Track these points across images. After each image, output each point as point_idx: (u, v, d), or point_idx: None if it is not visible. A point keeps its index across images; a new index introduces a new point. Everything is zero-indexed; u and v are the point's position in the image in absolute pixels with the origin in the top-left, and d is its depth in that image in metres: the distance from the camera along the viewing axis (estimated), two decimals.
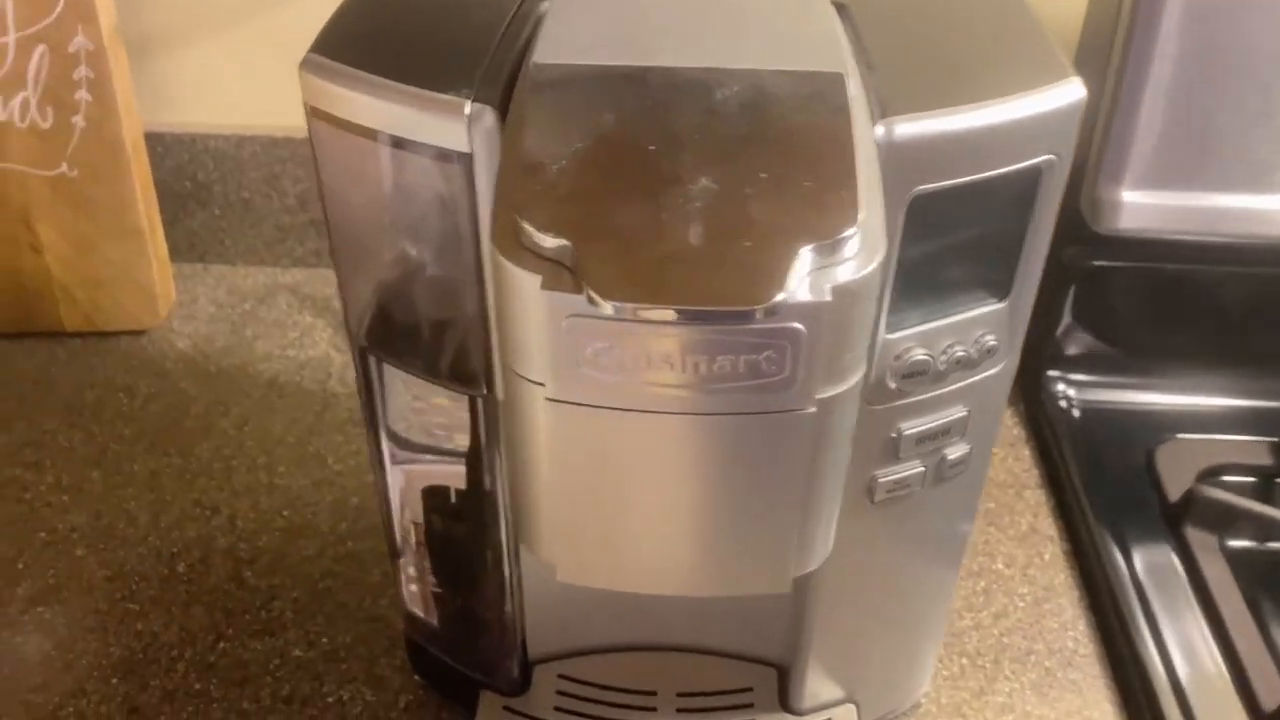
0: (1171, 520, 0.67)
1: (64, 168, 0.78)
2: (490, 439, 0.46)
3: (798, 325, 0.29)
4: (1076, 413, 0.75)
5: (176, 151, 0.86)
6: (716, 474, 0.32)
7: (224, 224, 0.90)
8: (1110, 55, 0.64)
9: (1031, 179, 0.39)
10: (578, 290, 0.29)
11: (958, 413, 0.44)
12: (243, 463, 0.73)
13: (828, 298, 0.29)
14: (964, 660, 0.62)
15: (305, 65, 0.39)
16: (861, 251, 0.30)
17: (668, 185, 0.31)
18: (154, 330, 0.85)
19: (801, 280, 0.29)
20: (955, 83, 0.38)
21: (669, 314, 0.27)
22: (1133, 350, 0.75)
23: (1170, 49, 0.64)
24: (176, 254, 0.89)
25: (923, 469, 0.45)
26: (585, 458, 0.32)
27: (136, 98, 0.80)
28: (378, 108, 0.37)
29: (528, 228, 0.30)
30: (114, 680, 0.60)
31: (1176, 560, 0.65)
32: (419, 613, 0.56)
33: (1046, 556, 0.68)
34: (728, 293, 0.28)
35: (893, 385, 0.42)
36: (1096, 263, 0.73)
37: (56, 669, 0.60)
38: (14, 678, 0.60)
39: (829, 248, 0.29)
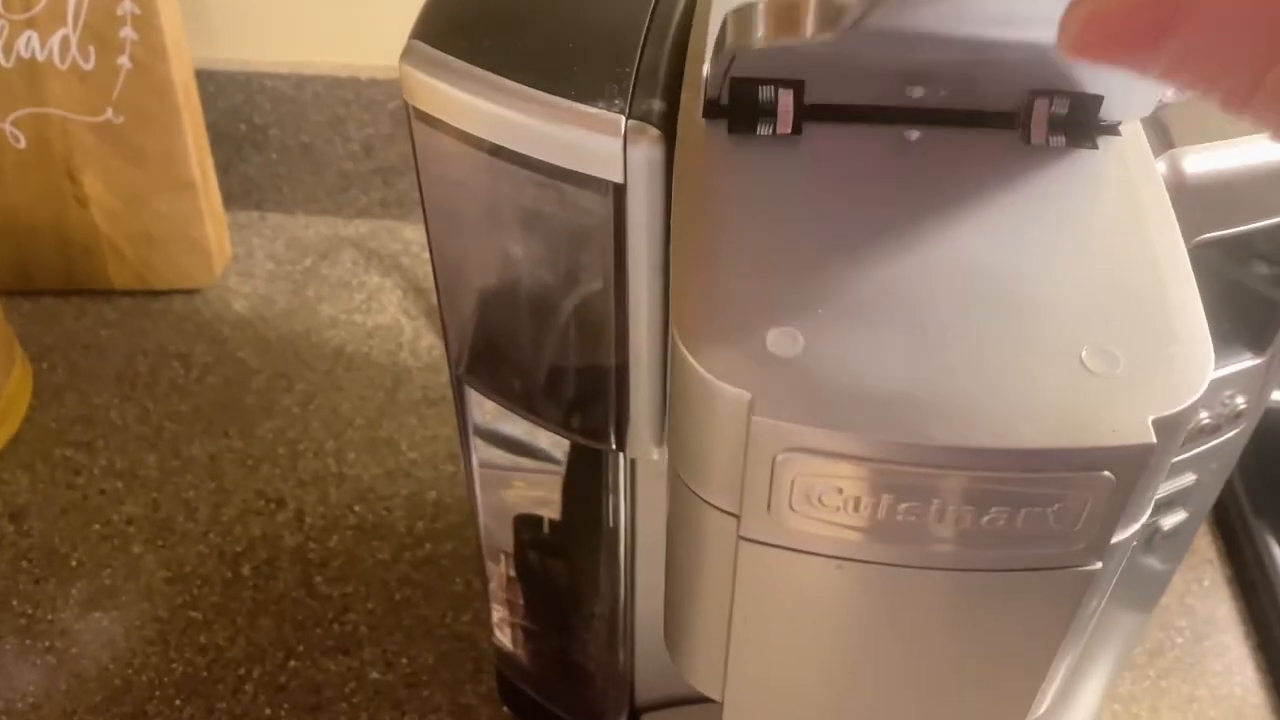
0: None
1: (109, 113, 0.70)
2: (617, 493, 0.39)
3: (1107, 474, 0.21)
4: None
5: (230, 91, 0.78)
6: (956, 636, 0.25)
7: (282, 170, 0.82)
8: None
9: None
10: (805, 420, 0.21)
11: (1185, 482, 0.37)
12: (309, 447, 0.67)
13: (1150, 438, 0.21)
14: (1117, 707, 0.55)
15: (407, 57, 0.31)
16: (1185, 372, 0.22)
17: (923, 283, 0.23)
18: (209, 289, 0.78)
19: (1115, 414, 0.21)
20: None
21: (939, 452, 0.20)
22: None
23: None
24: (231, 201, 0.82)
25: (1133, 543, 0.38)
26: (783, 606, 0.25)
27: (186, 32, 0.71)
28: (503, 118, 0.29)
29: (734, 318, 0.22)
30: (178, 702, 0.55)
31: None
32: (511, 649, 0.50)
33: (1206, 583, 0.60)
34: (1021, 428, 0.20)
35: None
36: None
37: (116, 686, 0.55)
38: (71, 694, 0.55)
39: (1148, 368, 0.22)
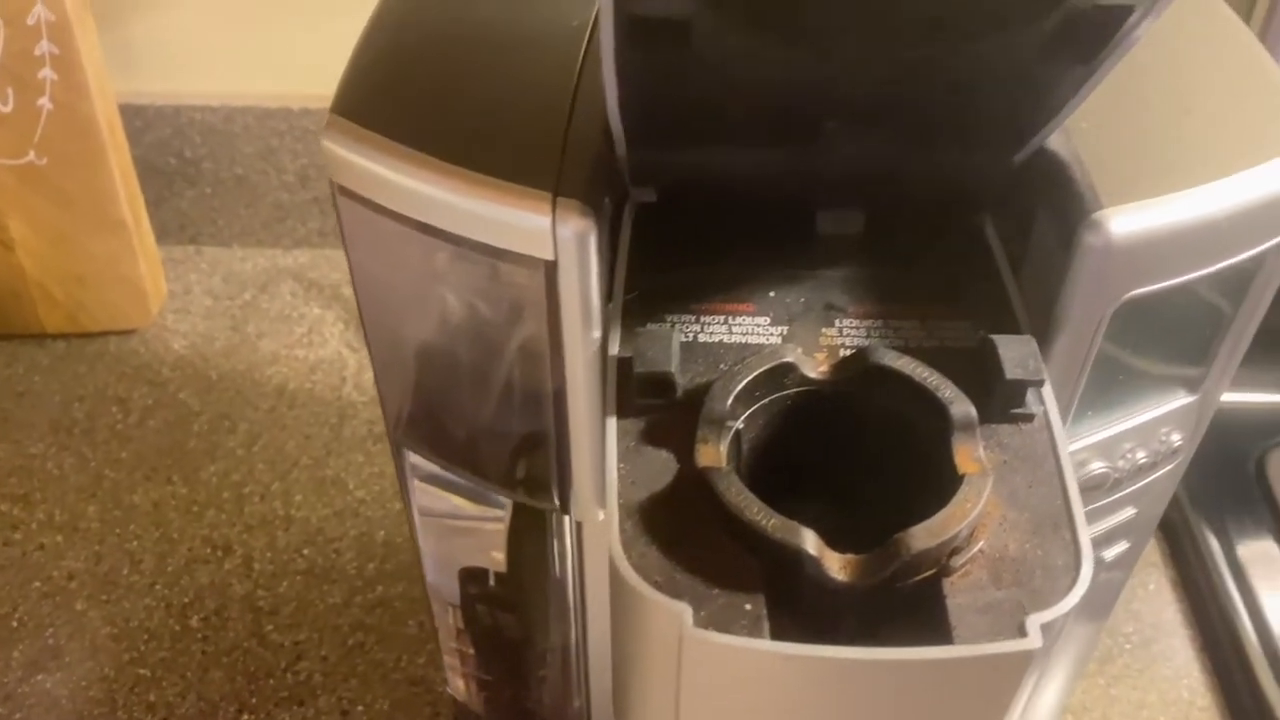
0: None
1: (31, 155, 0.69)
2: (563, 553, 0.38)
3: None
4: None
5: (158, 125, 0.77)
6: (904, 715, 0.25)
7: (216, 203, 0.81)
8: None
9: (1256, 263, 0.31)
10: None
11: (1126, 515, 0.37)
12: (255, 490, 0.66)
13: (1037, 644, 0.22)
14: (1069, 717, 0.56)
15: (329, 134, 0.30)
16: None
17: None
18: (146, 329, 0.76)
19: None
20: (1174, 152, 0.29)
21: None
22: None
23: None
24: (165, 236, 0.81)
25: None
26: (729, 695, 0.25)
27: (110, 65, 0.70)
28: (431, 197, 0.29)
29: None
30: None
31: None
32: (466, 698, 0.50)
33: (1151, 587, 0.61)
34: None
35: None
36: None
37: None
38: None
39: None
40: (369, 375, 0.73)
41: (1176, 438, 0.35)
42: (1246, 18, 0.55)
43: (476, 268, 0.30)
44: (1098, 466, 0.34)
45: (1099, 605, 0.43)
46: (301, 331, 0.76)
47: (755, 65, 0.26)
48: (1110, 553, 0.38)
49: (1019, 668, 0.24)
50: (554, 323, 0.30)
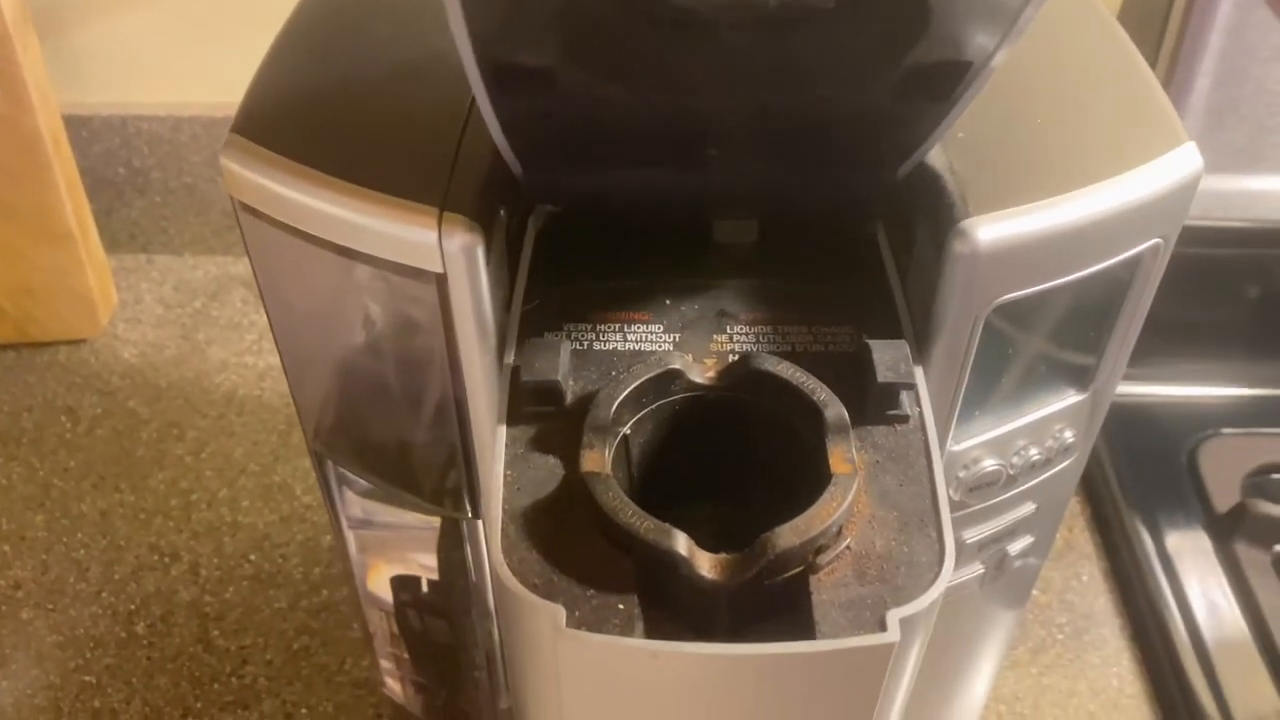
0: (1220, 534, 0.62)
1: None
2: (479, 556, 0.39)
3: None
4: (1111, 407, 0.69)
5: (105, 135, 0.77)
6: (774, 709, 0.26)
7: (166, 212, 0.81)
8: (1165, 31, 0.56)
9: (1131, 267, 0.32)
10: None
11: (1025, 511, 0.38)
12: (202, 497, 0.67)
13: (895, 638, 0.23)
14: (1002, 707, 0.57)
15: (228, 152, 0.31)
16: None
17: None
18: (96, 339, 0.77)
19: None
20: (1045, 159, 0.30)
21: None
22: (1174, 338, 0.69)
23: (1224, 23, 0.56)
24: (115, 245, 0.81)
25: (982, 570, 0.39)
26: (607, 697, 0.26)
27: (55, 76, 0.70)
28: (325, 213, 0.30)
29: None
30: None
31: (1226, 581, 0.60)
32: (402, 700, 0.51)
33: (1085, 578, 0.63)
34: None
35: (956, 498, 0.35)
36: None
37: None
38: None
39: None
40: None
41: (1069, 435, 0.36)
42: (1159, 34, 0.56)
43: (373, 281, 0.31)
44: (990, 464, 0.35)
45: (1013, 595, 0.44)
46: (251, 339, 0.77)
47: (624, 106, 0.27)
48: (1014, 546, 0.39)
49: (880, 662, 0.25)
50: (449, 334, 0.31)
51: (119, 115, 0.76)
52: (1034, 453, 0.36)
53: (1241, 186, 0.61)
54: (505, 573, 0.25)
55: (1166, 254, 0.32)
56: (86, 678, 0.58)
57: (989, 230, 0.28)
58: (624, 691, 0.26)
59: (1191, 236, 0.65)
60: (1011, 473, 0.36)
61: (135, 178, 0.79)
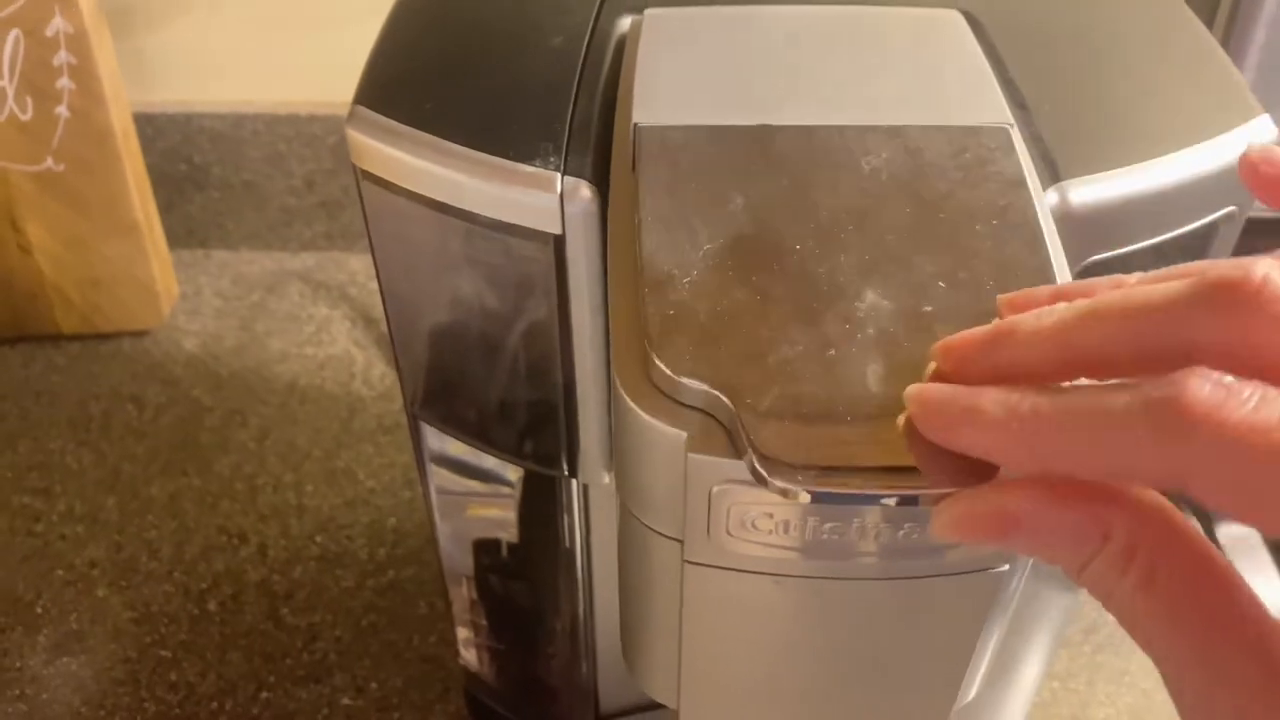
0: None
1: (49, 162, 0.71)
2: (571, 516, 0.41)
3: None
4: None
5: (169, 132, 0.79)
6: (885, 638, 0.27)
7: (224, 207, 0.83)
8: (1212, 24, 0.57)
9: (1206, 235, 0.34)
10: (735, 455, 0.23)
11: None
12: (267, 481, 0.68)
13: None
14: (1055, 684, 0.58)
15: (353, 123, 0.33)
16: None
17: (828, 304, 0.25)
18: (158, 330, 0.79)
19: None
20: (1129, 128, 0.32)
21: (856, 497, 0.22)
22: None
23: (1269, 17, 0.57)
24: (175, 240, 0.83)
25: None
26: (728, 620, 0.27)
27: (122, 75, 0.72)
28: (448, 178, 0.31)
29: (665, 370, 0.24)
30: None
31: (1270, 558, 0.61)
32: (478, 667, 0.52)
33: None
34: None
35: None
36: None
37: None
38: None
39: None
40: (377, 371, 0.76)
41: None
42: (1212, 13, 0.58)
43: (491, 244, 0.33)
44: None
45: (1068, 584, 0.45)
46: (310, 330, 0.79)
47: None
48: None
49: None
50: (562, 294, 0.33)
51: (182, 112, 0.78)
52: None
53: None
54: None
55: (1240, 222, 0.34)
56: (163, 652, 0.60)
57: (1080, 192, 0.30)
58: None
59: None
60: None
61: (196, 174, 0.81)
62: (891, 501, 0.22)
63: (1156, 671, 0.60)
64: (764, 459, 0.23)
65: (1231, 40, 0.59)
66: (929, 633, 0.27)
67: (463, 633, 0.51)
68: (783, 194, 0.28)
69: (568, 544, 0.43)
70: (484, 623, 0.50)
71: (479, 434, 0.40)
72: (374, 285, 0.82)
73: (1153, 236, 0.32)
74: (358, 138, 0.33)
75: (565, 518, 0.41)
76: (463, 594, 0.49)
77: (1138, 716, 0.56)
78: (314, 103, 0.78)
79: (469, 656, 0.52)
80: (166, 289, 0.79)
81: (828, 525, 0.24)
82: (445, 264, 0.34)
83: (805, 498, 0.22)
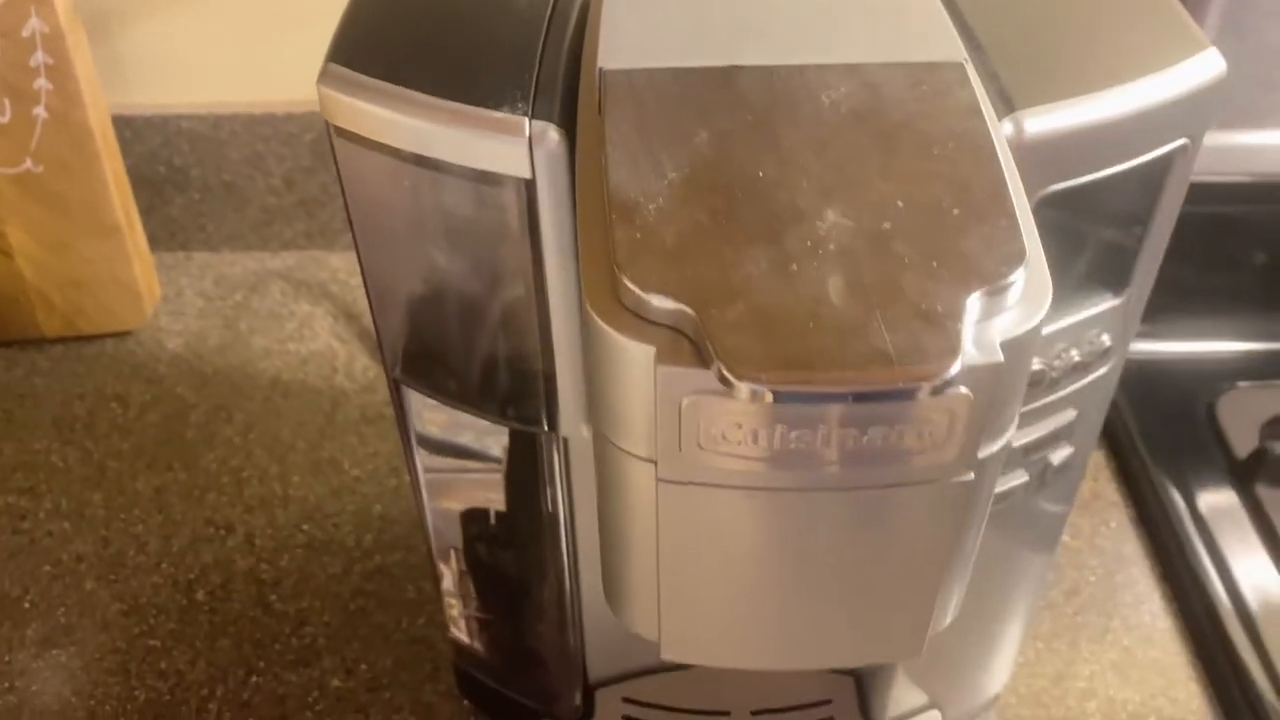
0: (1241, 478, 0.64)
1: (28, 164, 0.72)
2: (552, 474, 0.41)
3: (964, 391, 0.24)
4: (1131, 366, 0.71)
5: (147, 135, 0.80)
6: (855, 550, 0.28)
7: (205, 209, 0.84)
8: None
9: (1161, 166, 0.35)
10: (702, 365, 0.24)
11: (1067, 417, 0.40)
12: (253, 473, 0.69)
13: (999, 357, 0.24)
14: (1039, 644, 0.59)
15: (324, 79, 0.34)
16: (1028, 295, 0.26)
17: (790, 224, 0.26)
18: (141, 331, 0.79)
19: (967, 338, 0.24)
20: (1080, 63, 0.33)
21: (819, 396, 0.23)
22: (1187, 297, 0.71)
23: None
24: (156, 243, 0.83)
25: (1027, 478, 0.41)
26: (704, 540, 0.28)
27: (99, 79, 0.73)
28: (418, 129, 0.32)
29: (633, 288, 0.25)
30: None
31: (1249, 521, 0.62)
32: (467, 641, 0.52)
33: (1113, 524, 0.65)
34: (889, 367, 0.23)
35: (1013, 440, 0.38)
36: None
37: (79, 718, 0.56)
38: None
39: (996, 294, 0.25)
40: (359, 364, 0.76)
41: (1106, 339, 0.39)
42: None
43: (463, 195, 0.33)
44: (1035, 363, 0.37)
45: (1046, 534, 0.46)
46: (292, 327, 0.79)
47: None
48: (1056, 455, 0.41)
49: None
50: (535, 240, 0.33)
51: (160, 115, 0.79)
52: (1074, 354, 0.38)
53: (1243, 142, 0.63)
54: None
55: (1194, 155, 0.35)
56: (152, 642, 0.60)
57: (1034, 122, 0.31)
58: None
59: (1195, 194, 0.68)
60: (1054, 375, 0.38)
61: (175, 175, 0.82)
62: (853, 398, 0.23)
63: (1137, 627, 0.60)
64: (730, 365, 0.23)
65: None
66: (900, 547, 0.28)
67: (451, 605, 0.51)
68: (745, 128, 0.29)
69: (551, 507, 0.43)
70: (471, 593, 0.50)
71: (459, 394, 0.40)
72: (355, 282, 0.83)
73: (1107, 167, 0.33)
74: (329, 94, 0.33)
75: (548, 479, 0.42)
76: (450, 565, 0.49)
77: (1122, 671, 0.57)
78: (291, 101, 0.79)
79: (458, 630, 0.52)
80: (149, 290, 0.79)
81: (794, 434, 0.25)
82: (420, 219, 0.35)
83: (769, 398, 0.23)
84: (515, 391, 0.39)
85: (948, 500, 0.27)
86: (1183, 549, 0.61)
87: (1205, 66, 0.33)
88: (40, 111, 0.70)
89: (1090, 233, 0.36)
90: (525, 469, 0.42)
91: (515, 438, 0.41)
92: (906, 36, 0.32)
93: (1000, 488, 0.41)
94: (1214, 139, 0.64)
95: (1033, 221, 0.27)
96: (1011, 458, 0.40)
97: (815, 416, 0.24)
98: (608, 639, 0.51)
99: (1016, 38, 0.34)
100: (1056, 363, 0.38)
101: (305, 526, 0.66)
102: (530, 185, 0.32)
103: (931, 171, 0.27)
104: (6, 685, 0.58)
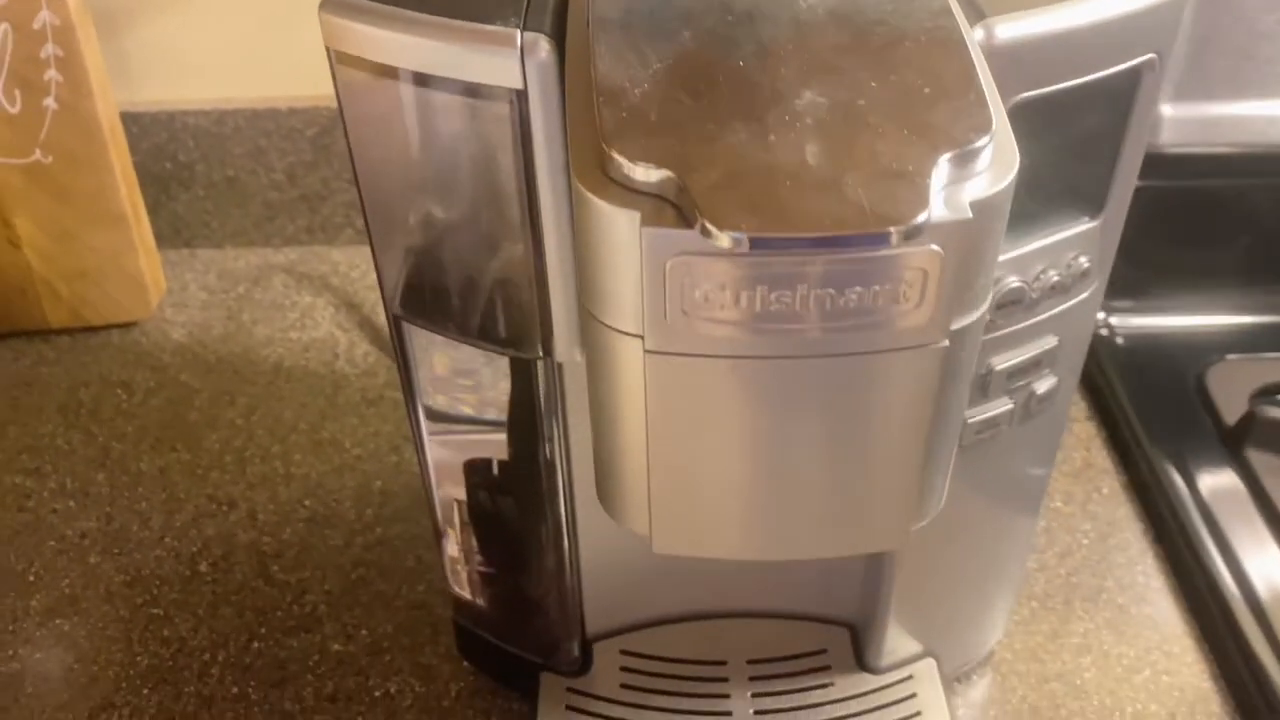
0: (1231, 443, 0.65)
1: (38, 154, 0.73)
2: (548, 405, 0.42)
3: (935, 248, 0.25)
4: (1120, 340, 0.72)
5: (154, 131, 0.82)
6: (838, 421, 0.29)
7: (209, 205, 0.85)
8: None
9: (1131, 81, 0.36)
10: (686, 225, 0.25)
11: (1049, 343, 0.41)
12: (255, 453, 0.70)
13: (968, 214, 0.26)
14: (1034, 604, 0.59)
15: (325, 5, 0.35)
16: (996, 161, 0.27)
17: (769, 102, 0.27)
18: (146, 322, 0.80)
19: (937, 197, 0.25)
20: None
21: (795, 242, 0.24)
22: (1174, 271, 0.73)
23: None
24: (161, 240, 0.85)
25: (1011, 406, 0.42)
26: (691, 415, 0.29)
27: (108, 75, 0.75)
28: (415, 45, 0.33)
29: (619, 159, 0.26)
30: (145, 690, 0.56)
31: (1240, 483, 0.63)
32: (467, 595, 0.53)
33: (1105, 491, 0.65)
34: (862, 214, 0.24)
35: (986, 316, 0.39)
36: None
37: (82, 683, 0.57)
38: (37, 695, 0.56)
39: (964, 158, 0.26)
40: (360, 350, 0.77)
41: (1085, 260, 0.40)
42: None
43: (458, 112, 0.35)
44: (1014, 281, 0.38)
45: (1040, 448, 0.47)
46: (294, 317, 0.81)
47: None
48: (1040, 385, 0.42)
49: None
50: (528, 154, 0.34)
51: (166, 110, 0.81)
52: (1053, 275, 0.39)
53: (1225, 113, 0.65)
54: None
55: (1161, 72, 0.36)
56: (155, 610, 0.60)
57: (1004, 28, 0.32)
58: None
59: (1179, 167, 0.70)
60: (1034, 295, 0.39)
61: (181, 171, 0.83)
62: (828, 244, 0.24)
63: (1131, 587, 0.61)
64: (712, 218, 0.24)
65: None
66: (880, 420, 0.29)
67: (452, 558, 0.52)
68: (726, 26, 0.30)
69: (549, 447, 0.44)
70: (472, 544, 0.51)
71: (457, 325, 0.41)
72: (356, 275, 0.84)
73: (1077, 77, 0.34)
74: (330, 19, 0.35)
75: (544, 411, 0.42)
76: (452, 517, 0.50)
77: (1116, 628, 0.58)
78: (293, 96, 0.81)
79: (457, 583, 0.53)
80: (154, 281, 0.80)
81: (774, 295, 0.26)
82: (417, 142, 0.36)
83: (747, 245, 0.24)
84: (510, 318, 0.40)
85: (924, 368, 0.28)
86: (1175, 511, 0.61)
87: None
88: (50, 103, 0.72)
89: (1064, 151, 0.37)
90: (523, 403, 0.43)
91: (513, 369, 0.42)
92: None
93: (986, 413, 0.42)
94: (1196, 110, 0.66)
95: (1000, 101, 0.28)
96: (995, 384, 0.41)
97: (794, 274, 0.25)
98: (606, 592, 0.52)
99: None
100: (1035, 283, 0.39)
101: (307, 502, 0.66)
102: (522, 96, 0.33)
103: (904, 59, 0.29)
104: (10, 653, 0.58)
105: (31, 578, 0.62)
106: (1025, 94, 0.33)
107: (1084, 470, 0.67)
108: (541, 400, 0.42)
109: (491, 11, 0.33)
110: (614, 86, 0.28)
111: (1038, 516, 0.50)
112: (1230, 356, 0.70)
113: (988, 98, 0.27)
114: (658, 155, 0.26)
